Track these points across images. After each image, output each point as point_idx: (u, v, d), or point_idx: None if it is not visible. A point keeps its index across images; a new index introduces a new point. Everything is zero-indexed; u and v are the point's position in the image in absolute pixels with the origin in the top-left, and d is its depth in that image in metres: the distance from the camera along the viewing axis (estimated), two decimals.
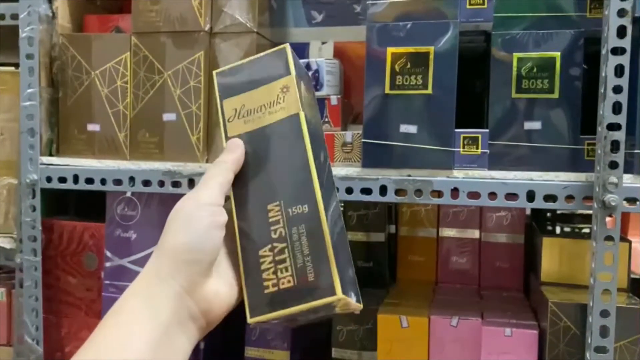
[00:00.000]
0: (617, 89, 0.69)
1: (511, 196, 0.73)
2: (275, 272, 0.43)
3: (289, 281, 0.43)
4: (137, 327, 0.40)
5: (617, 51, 0.68)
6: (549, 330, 0.74)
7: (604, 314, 0.69)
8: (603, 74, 0.69)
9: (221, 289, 0.45)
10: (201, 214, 0.44)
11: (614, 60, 0.68)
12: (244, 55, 0.83)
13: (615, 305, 0.69)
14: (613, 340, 0.69)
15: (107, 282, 0.89)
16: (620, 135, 0.69)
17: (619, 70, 0.68)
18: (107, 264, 0.89)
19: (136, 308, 0.42)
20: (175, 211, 0.45)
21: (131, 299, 0.43)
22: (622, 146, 0.69)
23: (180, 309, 0.42)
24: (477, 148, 0.76)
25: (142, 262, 0.88)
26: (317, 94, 0.82)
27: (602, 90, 0.70)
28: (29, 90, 0.88)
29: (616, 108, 0.69)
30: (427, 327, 0.80)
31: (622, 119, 0.69)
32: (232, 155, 0.48)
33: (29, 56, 0.87)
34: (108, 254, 0.89)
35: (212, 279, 0.44)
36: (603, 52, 0.69)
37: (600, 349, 0.70)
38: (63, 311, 0.94)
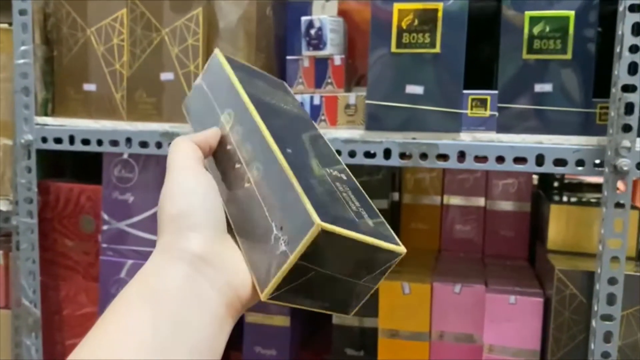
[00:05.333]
0: (634, 49, 0.65)
1: (520, 160, 0.71)
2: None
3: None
4: (137, 313, 0.34)
5: (635, 8, 0.65)
6: (555, 297, 0.73)
7: (612, 281, 0.68)
8: (619, 32, 0.66)
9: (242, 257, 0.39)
10: (186, 181, 0.38)
11: (631, 18, 0.65)
12: (243, 12, 0.80)
13: (624, 273, 0.67)
14: (620, 309, 0.68)
15: (105, 245, 0.88)
16: (635, 98, 0.66)
17: (636, 29, 0.65)
18: (105, 227, 0.88)
19: (137, 291, 0.35)
20: (163, 190, 0.40)
21: (134, 281, 0.36)
22: (637, 109, 0.66)
23: (195, 282, 0.35)
24: (486, 110, 0.73)
25: (140, 225, 0.87)
26: (320, 53, 0.79)
27: (617, 49, 0.67)
28: (23, 48, 0.85)
29: (631, 68, 0.66)
30: (430, 293, 0.79)
31: (637, 80, 0.66)
32: (199, 133, 0.43)
33: (22, 12, 0.84)
34: (105, 216, 0.88)
35: (230, 247, 0.38)
36: (620, 9, 0.66)
37: (606, 317, 0.68)
38: (60, 274, 0.93)
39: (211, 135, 0.43)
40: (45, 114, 0.89)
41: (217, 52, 0.48)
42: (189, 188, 0.38)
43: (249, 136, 0.41)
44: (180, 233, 0.37)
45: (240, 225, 0.39)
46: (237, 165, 0.41)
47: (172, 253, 0.37)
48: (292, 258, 0.34)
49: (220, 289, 0.36)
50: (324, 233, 0.34)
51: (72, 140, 0.85)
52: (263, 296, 0.35)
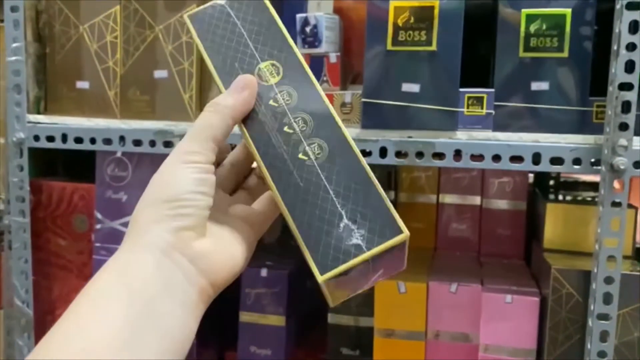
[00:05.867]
0: (631, 46, 0.65)
1: (516, 159, 0.71)
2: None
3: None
4: (110, 302, 0.34)
5: (633, 6, 0.65)
6: (551, 297, 0.72)
7: (608, 280, 0.67)
8: (616, 30, 0.66)
9: (221, 245, 0.39)
10: (185, 173, 0.38)
11: (628, 16, 0.65)
12: None
13: (620, 272, 0.67)
14: (616, 308, 0.67)
15: (98, 244, 0.87)
16: (632, 96, 0.66)
17: (633, 26, 0.65)
18: (98, 226, 0.87)
19: (111, 278, 0.36)
20: (157, 173, 0.39)
21: (108, 271, 0.36)
22: (634, 107, 0.66)
23: (167, 270, 0.36)
24: (482, 108, 0.73)
25: None
26: (316, 51, 0.79)
27: (614, 47, 0.66)
28: (14, 45, 0.84)
29: (628, 67, 0.66)
30: (426, 293, 0.78)
31: (634, 78, 0.66)
32: (236, 96, 0.40)
33: (14, 8, 0.83)
34: (99, 215, 0.87)
35: (208, 238, 0.39)
36: (617, 7, 0.66)
37: (602, 316, 0.68)
38: (53, 274, 0.92)
39: (250, 101, 0.41)
40: (38, 112, 0.88)
41: None
42: (186, 182, 0.38)
43: (308, 106, 0.40)
44: (160, 220, 0.37)
45: (290, 194, 0.39)
46: (288, 130, 0.40)
47: (146, 239, 0.36)
48: (368, 254, 0.36)
49: (193, 277, 0.37)
50: (403, 242, 0.37)
51: (64, 138, 0.84)
52: (322, 279, 0.36)
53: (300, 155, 0.39)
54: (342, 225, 0.37)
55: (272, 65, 0.42)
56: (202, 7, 0.44)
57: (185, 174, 0.38)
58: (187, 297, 0.36)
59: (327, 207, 0.38)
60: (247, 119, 0.41)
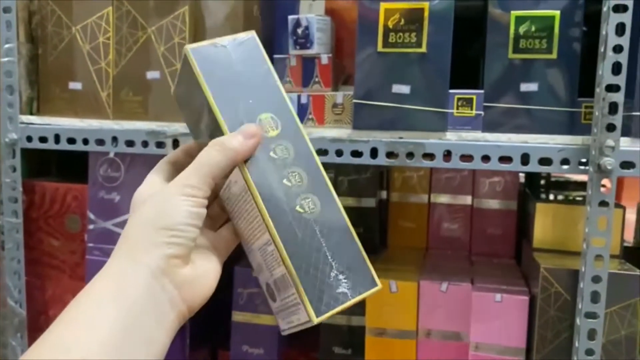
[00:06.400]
0: (618, 49, 0.66)
1: (505, 159, 0.71)
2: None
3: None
4: (104, 311, 0.38)
5: (619, 8, 0.66)
6: (540, 296, 0.73)
7: (596, 279, 0.68)
8: (603, 32, 0.66)
9: (199, 272, 0.43)
10: (183, 205, 0.41)
11: (615, 18, 0.66)
12: (230, 11, 0.80)
13: (608, 271, 0.68)
14: (604, 306, 0.68)
15: (91, 245, 0.87)
16: (619, 97, 0.66)
17: (619, 29, 0.66)
18: (91, 227, 0.87)
19: (104, 290, 0.39)
20: (155, 195, 0.43)
21: (100, 280, 0.40)
22: (621, 108, 0.66)
23: (155, 292, 0.40)
24: (472, 109, 0.74)
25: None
26: (308, 52, 0.79)
27: (601, 49, 0.67)
28: (7, 46, 0.84)
29: (615, 68, 0.66)
30: (417, 292, 0.79)
31: (621, 80, 0.66)
32: (243, 142, 0.42)
33: (7, 9, 0.83)
34: (91, 216, 0.87)
35: (192, 265, 0.43)
36: (604, 9, 0.66)
37: (590, 315, 0.69)
38: (46, 274, 0.92)
39: (254, 150, 0.43)
40: (31, 113, 0.89)
41: (255, 36, 0.47)
42: (183, 215, 0.41)
43: (302, 163, 0.44)
44: (156, 245, 0.40)
45: (290, 243, 0.43)
46: (287, 182, 0.44)
47: (141, 259, 0.40)
48: (352, 302, 0.43)
49: (174, 302, 0.41)
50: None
51: (57, 139, 0.84)
52: (316, 320, 0.42)
53: (297, 208, 0.44)
54: (332, 275, 0.43)
55: (272, 118, 0.45)
56: (204, 42, 0.45)
57: (184, 207, 0.41)
58: (166, 318, 0.40)
59: (321, 258, 0.43)
60: (249, 164, 0.44)
